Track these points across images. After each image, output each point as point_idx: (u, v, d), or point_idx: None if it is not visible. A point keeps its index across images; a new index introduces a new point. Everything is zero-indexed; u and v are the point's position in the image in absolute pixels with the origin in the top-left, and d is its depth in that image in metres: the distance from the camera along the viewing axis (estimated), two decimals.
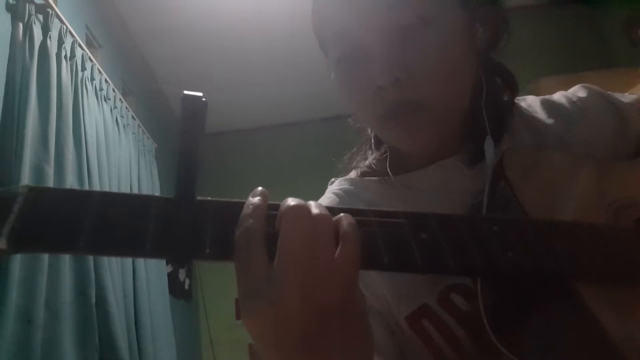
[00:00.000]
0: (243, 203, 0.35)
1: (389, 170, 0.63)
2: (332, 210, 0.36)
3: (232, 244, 0.34)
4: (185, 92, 0.33)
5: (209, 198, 0.35)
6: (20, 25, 1.60)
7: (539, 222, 0.43)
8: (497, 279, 0.42)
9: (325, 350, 0.34)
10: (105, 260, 1.77)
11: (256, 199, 0.35)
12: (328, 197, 0.66)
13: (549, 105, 0.64)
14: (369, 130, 0.70)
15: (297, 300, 0.32)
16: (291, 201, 0.35)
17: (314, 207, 0.35)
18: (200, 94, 0.34)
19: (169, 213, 0.33)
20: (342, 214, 0.36)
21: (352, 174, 0.69)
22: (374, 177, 0.65)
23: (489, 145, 0.56)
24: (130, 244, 0.32)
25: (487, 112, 0.57)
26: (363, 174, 0.68)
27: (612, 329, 0.37)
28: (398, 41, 0.52)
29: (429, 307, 0.54)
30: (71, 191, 0.34)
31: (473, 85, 0.58)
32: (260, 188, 0.36)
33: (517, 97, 0.66)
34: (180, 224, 0.33)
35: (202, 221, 0.34)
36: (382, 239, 0.36)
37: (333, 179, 0.70)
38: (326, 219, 0.35)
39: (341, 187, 0.67)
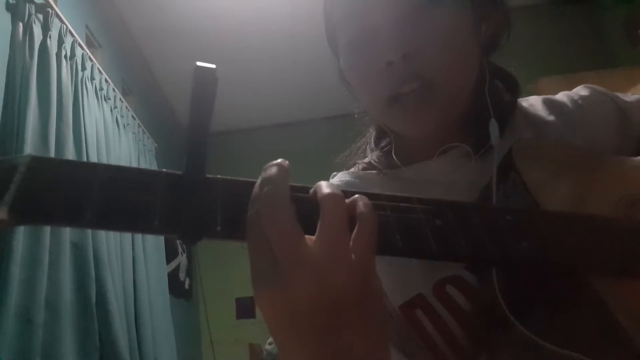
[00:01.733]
0: (253, 182, 0.34)
1: (395, 157, 0.63)
2: (345, 193, 0.35)
3: (244, 223, 0.32)
4: (198, 63, 0.32)
5: (219, 176, 0.34)
6: (20, 24, 1.60)
7: (552, 213, 0.43)
8: (511, 268, 0.42)
9: (342, 337, 0.32)
10: (105, 259, 1.77)
11: (269, 182, 0.33)
12: None
13: (551, 104, 0.64)
14: (371, 130, 0.70)
15: (311, 286, 0.31)
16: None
17: (324, 186, 0.34)
18: (214, 66, 0.32)
19: (179, 188, 0.32)
20: (357, 195, 0.35)
21: (354, 169, 0.69)
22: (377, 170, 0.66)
23: (493, 127, 0.56)
24: (138, 218, 0.30)
25: (490, 98, 0.58)
26: (364, 169, 0.68)
27: (627, 323, 0.36)
28: (407, 22, 0.53)
29: (423, 298, 0.54)
30: (76, 162, 0.33)
31: (476, 75, 0.59)
32: (274, 168, 0.34)
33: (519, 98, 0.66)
34: (190, 200, 0.32)
35: (212, 198, 0.32)
36: (397, 224, 0.36)
37: (335, 173, 0.70)
38: (338, 198, 0.33)
39: (342, 179, 0.67)
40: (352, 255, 0.32)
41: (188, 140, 0.32)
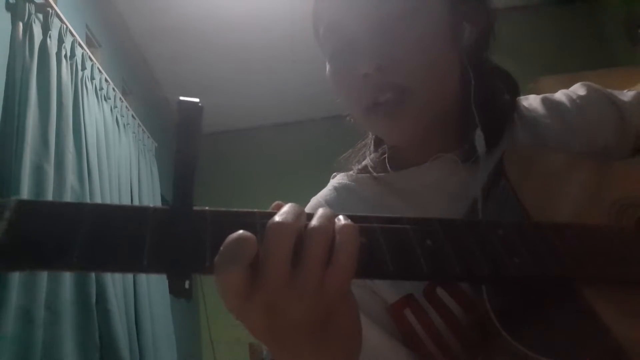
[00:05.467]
0: (241, 212, 0.34)
1: (388, 163, 0.64)
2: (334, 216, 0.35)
3: None
4: (181, 97, 0.32)
5: (207, 208, 0.34)
6: (20, 24, 1.60)
7: (543, 225, 0.43)
8: (504, 284, 0.42)
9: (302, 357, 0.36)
10: None
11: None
12: (328, 190, 0.67)
13: (549, 104, 0.65)
14: (370, 134, 0.70)
15: (262, 320, 0.33)
16: (277, 216, 0.32)
17: (315, 218, 0.34)
18: (197, 100, 0.32)
19: (167, 225, 0.32)
20: (343, 223, 0.34)
21: (353, 171, 0.70)
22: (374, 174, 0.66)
23: (479, 138, 0.57)
24: (126, 259, 0.30)
25: (477, 107, 0.58)
26: (363, 171, 0.68)
27: (618, 331, 0.37)
28: (382, 32, 0.55)
29: (413, 298, 0.54)
30: (62, 204, 0.32)
31: (461, 81, 0.59)
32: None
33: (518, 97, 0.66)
34: (179, 236, 0.31)
35: (201, 232, 0.32)
36: (387, 246, 0.35)
37: (335, 173, 0.71)
38: (318, 233, 0.33)
39: (340, 182, 0.68)
40: (317, 287, 0.32)
41: (175, 174, 0.32)
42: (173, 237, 0.31)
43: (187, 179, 0.32)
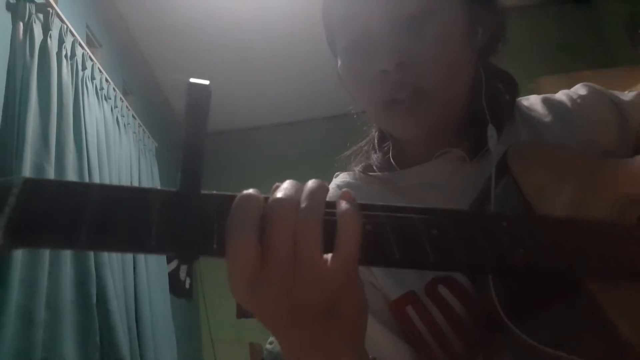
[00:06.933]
0: None
1: (392, 161, 0.64)
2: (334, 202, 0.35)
3: None
4: (191, 79, 0.32)
5: (214, 192, 0.34)
6: (21, 24, 1.60)
7: (547, 218, 0.43)
8: (509, 275, 0.42)
9: (314, 341, 0.35)
10: (106, 258, 1.77)
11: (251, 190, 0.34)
12: (331, 189, 0.67)
13: (549, 104, 0.65)
14: (373, 131, 0.71)
15: (272, 303, 0.32)
16: (278, 192, 0.33)
17: (306, 196, 0.33)
18: (207, 82, 0.32)
19: (174, 206, 0.32)
20: (343, 208, 0.33)
21: (356, 170, 0.70)
22: (377, 173, 0.67)
23: (491, 132, 0.57)
24: (134, 238, 0.30)
25: (487, 104, 0.59)
26: (366, 170, 0.69)
27: (623, 326, 0.37)
28: (402, 29, 0.54)
29: (415, 295, 0.55)
30: (70, 183, 0.32)
31: (472, 81, 0.60)
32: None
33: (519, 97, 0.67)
34: (186, 217, 0.31)
35: (208, 215, 0.32)
36: (393, 234, 0.35)
37: (338, 173, 0.71)
38: (315, 210, 0.32)
39: (344, 180, 0.68)
40: (323, 269, 0.32)
41: (183, 157, 0.32)
42: (181, 218, 0.31)
43: (194, 161, 0.32)
